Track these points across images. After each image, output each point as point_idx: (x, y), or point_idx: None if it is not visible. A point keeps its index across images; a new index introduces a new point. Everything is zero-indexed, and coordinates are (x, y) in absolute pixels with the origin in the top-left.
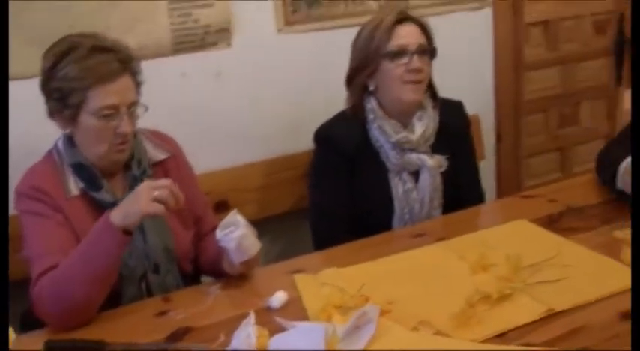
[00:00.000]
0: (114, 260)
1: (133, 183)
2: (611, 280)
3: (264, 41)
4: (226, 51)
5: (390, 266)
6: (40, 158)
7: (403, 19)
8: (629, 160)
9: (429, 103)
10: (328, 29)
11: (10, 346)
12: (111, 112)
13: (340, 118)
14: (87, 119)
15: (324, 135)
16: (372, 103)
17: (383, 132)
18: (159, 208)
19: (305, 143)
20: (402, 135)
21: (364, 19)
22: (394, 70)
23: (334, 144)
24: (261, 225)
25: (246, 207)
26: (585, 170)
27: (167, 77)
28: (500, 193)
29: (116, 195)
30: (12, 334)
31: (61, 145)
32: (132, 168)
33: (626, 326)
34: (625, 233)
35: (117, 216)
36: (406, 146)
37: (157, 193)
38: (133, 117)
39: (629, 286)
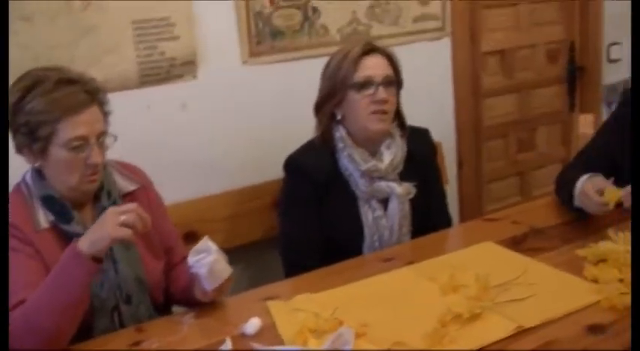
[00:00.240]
0: (83, 289)
1: (103, 214)
2: (576, 296)
3: (230, 73)
4: (192, 83)
5: (361, 290)
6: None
7: (370, 50)
8: (583, 178)
9: (397, 132)
10: (292, 60)
11: None
12: (81, 143)
13: (309, 146)
14: (57, 151)
15: (294, 164)
16: (340, 132)
17: (352, 160)
18: (126, 233)
19: (272, 173)
20: (371, 164)
21: (327, 50)
22: (360, 100)
23: (304, 172)
24: (230, 254)
25: (215, 237)
26: (544, 193)
27: (133, 110)
28: (463, 217)
29: (87, 226)
30: None
31: (29, 178)
32: (101, 199)
33: (593, 339)
34: (586, 251)
35: (84, 244)
36: (375, 174)
37: (123, 217)
38: (102, 147)
39: (594, 301)
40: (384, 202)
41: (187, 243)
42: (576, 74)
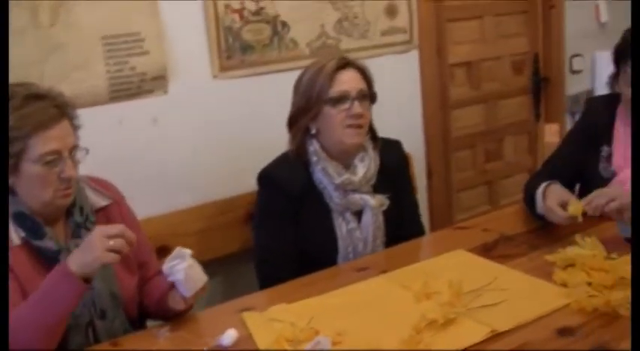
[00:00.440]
0: (71, 308)
1: (76, 229)
2: (547, 300)
3: (200, 87)
4: (163, 98)
5: (336, 300)
6: None
7: (345, 64)
8: (542, 187)
9: (369, 145)
10: (262, 74)
11: None
12: (53, 158)
13: (283, 159)
14: (29, 167)
15: (268, 177)
16: (314, 146)
17: (326, 174)
18: (115, 258)
19: (243, 186)
20: (345, 177)
21: (297, 64)
22: (336, 115)
23: (278, 185)
24: (204, 267)
25: None
26: (512, 202)
27: (104, 125)
28: (434, 226)
29: (59, 242)
30: None
31: None
32: (74, 214)
33: (564, 341)
34: (555, 256)
35: (73, 264)
36: (349, 187)
37: (111, 243)
38: (74, 161)
39: (563, 305)
40: (358, 214)
41: (160, 257)
42: (541, 85)
